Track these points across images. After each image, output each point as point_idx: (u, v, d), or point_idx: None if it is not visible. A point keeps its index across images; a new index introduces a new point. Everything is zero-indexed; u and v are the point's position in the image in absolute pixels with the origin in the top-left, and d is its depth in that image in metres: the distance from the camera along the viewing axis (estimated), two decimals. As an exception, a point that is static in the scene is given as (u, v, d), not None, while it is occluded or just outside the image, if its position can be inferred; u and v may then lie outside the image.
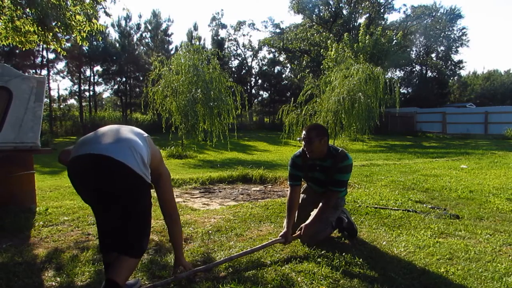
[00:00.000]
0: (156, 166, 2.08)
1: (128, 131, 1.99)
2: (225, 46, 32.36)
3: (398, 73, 34.73)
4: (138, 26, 27.32)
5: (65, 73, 26.36)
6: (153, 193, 2.03)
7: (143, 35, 27.84)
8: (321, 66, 21.66)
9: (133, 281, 2.14)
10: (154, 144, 2.10)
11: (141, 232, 1.96)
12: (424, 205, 4.17)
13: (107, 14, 5.97)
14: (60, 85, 75.97)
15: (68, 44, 20.23)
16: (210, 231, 3.18)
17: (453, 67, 37.28)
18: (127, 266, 1.88)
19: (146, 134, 2.05)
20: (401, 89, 29.85)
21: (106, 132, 1.97)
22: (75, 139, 19.21)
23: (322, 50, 27.21)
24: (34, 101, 3.99)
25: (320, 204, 2.92)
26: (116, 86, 27.96)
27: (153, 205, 4.48)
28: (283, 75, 34.50)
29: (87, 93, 27.75)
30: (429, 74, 36.64)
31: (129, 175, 1.80)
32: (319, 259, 2.53)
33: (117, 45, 25.86)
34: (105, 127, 2.05)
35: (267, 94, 34.39)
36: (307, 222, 2.89)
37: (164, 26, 28.03)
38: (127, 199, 1.86)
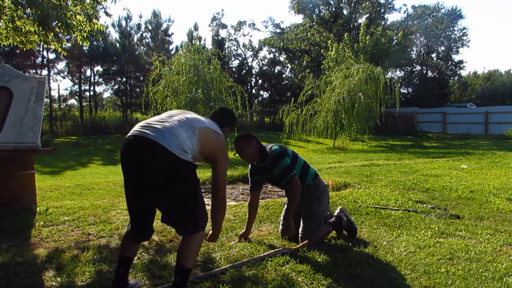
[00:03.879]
0: (211, 154, 2.16)
1: (178, 120, 2.04)
2: (226, 46, 32.37)
3: (399, 73, 34.77)
4: (139, 26, 27.34)
5: (65, 73, 26.37)
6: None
7: (144, 35, 27.85)
8: (322, 66, 21.65)
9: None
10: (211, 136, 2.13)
11: (197, 208, 2.07)
12: (425, 205, 4.16)
13: (108, 14, 5.95)
14: (61, 85, 75.95)
15: (69, 44, 20.26)
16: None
17: (453, 67, 37.26)
18: (193, 248, 1.98)
19: (198, 126, 2.07)
20: (401, 89, 29.90)
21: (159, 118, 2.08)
22: (75, 139, 19.21)
23: (322, 50, 27.22)
24: (35, 101, 4.00)
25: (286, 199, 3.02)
26: (116, 86, 27.96)
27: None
28: (284, 75, 34.49)
29: (87, 93, 27.77)
30: (430, 74, 36.63)
31: (168, 156, 1.87)
32: (319, 259, 2.53)
33: (118, 45, 25.86)
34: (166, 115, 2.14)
35: (268, 94, 34.40)
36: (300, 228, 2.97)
37: (164, 26, 28.04)
38: (174, 181, 1.91)
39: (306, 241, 2.82)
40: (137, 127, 1.99)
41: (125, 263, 2.08)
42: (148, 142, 1.87)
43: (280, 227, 3.10)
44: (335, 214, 3.15)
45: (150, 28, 27.49)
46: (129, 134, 1.97)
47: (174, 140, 1.90)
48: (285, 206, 3.10)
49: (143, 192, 1.94)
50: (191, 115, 2.17)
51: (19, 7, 5.22)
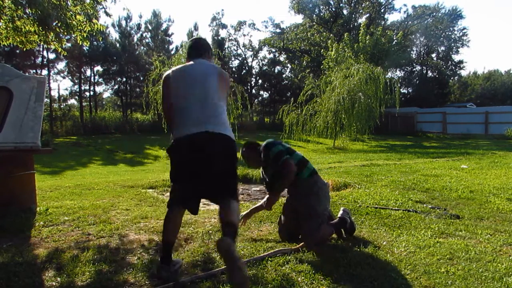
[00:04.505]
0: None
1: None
2: (226, 46, 32.36)
3: (399, 73, 34.77)
4: (139, 26, 27.34)
5: (65, 73, 26.39)
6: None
7: (144, 35, 27.86)
8: (322, 66, 21.67)
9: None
10: None
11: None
12: (425, 205, 4.16)
13: (108, 14, 5.95)
14: (61, 85, 75.87)
15: (69, 44, 20.26)
16: (211, 231, 3.19)
17: (453, 67, 37.27)
18: (236, 208, 2.27)
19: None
20: (401, 89, 29.90)
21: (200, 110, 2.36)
22: (76, 139, 19.21)
23: (322, 50, 27.22)
24: (35, 101, 3.99)
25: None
26: (116, 86, 27.96)
27: (154, 205, 4.47)
28: (284, 75, 34.48)
29: (87, 93, 27.77)
30: (430, 74, 36.64)
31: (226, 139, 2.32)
32: (319, 259, 2.53)
33: (118, 45, 25.86)
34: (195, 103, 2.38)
35: (268, 94, 34.39)
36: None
37: (164, 26, 28.05)
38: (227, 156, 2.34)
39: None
40: None
41: (169, 245, 2.32)
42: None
43: (279, 226, 3.10)
44: (339, 215, 3.08)
45: (150, 28, 27.50)
46: None
47: None
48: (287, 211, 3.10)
49: None
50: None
51: (19, 7, 5.22)
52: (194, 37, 2.87)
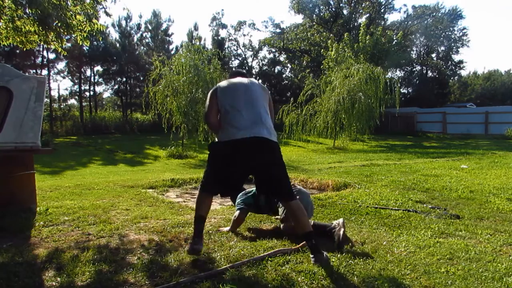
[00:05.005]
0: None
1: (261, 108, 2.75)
2: (226, 46, 32.37)
3: (399, 73, 34.72)
4: (139, 26, 27.35)
5: (65, 73, 26.40)
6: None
7: (144, 35, 27.86)
8: (322, 66, 21.66)
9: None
10: None
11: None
12: (425, 205, 4.17)
13: (108, 14, 5.94)
14: (61, 85, 75.93)
15: (69, 44, 20.24)
16: (211, 231, 3.19)
17: (453, 67, 37.25)
18: (298, 210, 2.59)
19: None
20: (401, 89, 29.88)
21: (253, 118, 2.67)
22: (75, 139, 19.21)
23: (322, 50, 27.21)
24: (35, 101, 3.99)
25: None
26: (116, 86, 27.97)
27: (154, 205, 4.47)
28: (284, 75, 34.48)
29: (87, 93, 27.79)
30: (430, 74, 36.62)
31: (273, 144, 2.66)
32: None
33: (118, 45, 25.86)
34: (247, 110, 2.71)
35: (267, 94, 34.30)
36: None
37: (164, 26, 28.05)
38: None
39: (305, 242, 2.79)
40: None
41: (201, 220, 2.71)
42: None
43: (281, 226, 3.11)
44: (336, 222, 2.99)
45: (150, 28, 27.50)
46: None
47: None
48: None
49: None
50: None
51: (19, 7, 5.22)
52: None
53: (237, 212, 3.25)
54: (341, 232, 2.77)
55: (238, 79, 2.88)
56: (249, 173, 2.79)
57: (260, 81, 33.04)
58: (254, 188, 3.27)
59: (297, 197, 2.80)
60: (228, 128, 2.66)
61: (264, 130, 2.61)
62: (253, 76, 33.14)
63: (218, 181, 2.74)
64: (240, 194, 3.42)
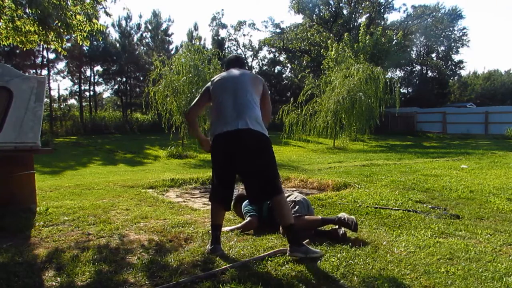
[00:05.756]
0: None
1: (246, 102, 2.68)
2: (226, 46, 32.40)
3: (399, 73, 34.75)
4: (139, 26, 27.35)
5: (65, 73, 26.40)
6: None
7: (144, 35, 27.87)
8: (321, 66, 21.67)
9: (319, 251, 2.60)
10: None
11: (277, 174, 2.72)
12: (425, 205, 4.16)
13: (108, 14, 5.93)
14: (61, 85, 75.97)
15: (69, 44, 20.24)
16: (211, 231, 3.18)
17: (453, 67, 37.26)
18: (284, 204, 2.63)
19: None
20: (401, 89, 29.87)
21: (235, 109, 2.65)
22: (76, 139, 19.21)
23: (322, 50, 27.22)
24: (35, 101, 3.99)
25: None
26: (116, 86, 27.97)
27: (154, 205, 4.48)
28: (284, 75, 34.52)
29: (87, 93, 27.79)
30: (430, 74, 36.63)
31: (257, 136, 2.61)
32: (319, 259, 2.53)
33: (118, 45, 25.86)
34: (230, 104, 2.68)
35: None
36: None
37: (164, 26, 28.06)
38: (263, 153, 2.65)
39: (308, 239, 2.82)
40: None
41: (218, 228, 2.75)
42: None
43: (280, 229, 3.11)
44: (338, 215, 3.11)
45: (150, 28, 27.50)
46: None
47: None
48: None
49: None
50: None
51: (19, 7, 5.22)
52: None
53: (248, 218, 3.28)
54: (353, 217, 3.01)
55: (229, 72, 2.88)
56: (237, 168, 2.71)
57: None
58: None
59: (297, 206, 3.12)
60: (217, 122, 2.69)
61: (247, 122, 2.58)
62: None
63: (220, 182, 2.75)
64: (245, 203, 3.45)
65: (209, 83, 2.88)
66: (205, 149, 2.90)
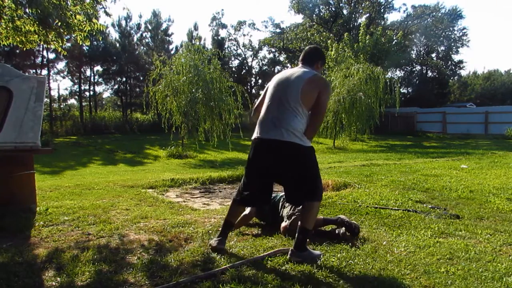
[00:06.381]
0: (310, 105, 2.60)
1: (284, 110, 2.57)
2: (225, 46, 32.39)
3: (398, 73, 34.76)
4: (139, 26, 27.34)
5: (65, 73, 26.38)
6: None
7: (143, 35, 27.86)
8: (321, 66, 21.61)
9: (318, 253, 2.59)
10: None
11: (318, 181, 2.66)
12: (424, 205, 4.16)
13: (107, 14, 5.94)
14: (60, 85, 75.98)
15: (69, 44, 20.25)
16: (211, 231, 3.19)
17: (453, 67, 37.28)
18: (314, 211, 2.59)
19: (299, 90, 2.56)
20: (401, 89, 29.88)
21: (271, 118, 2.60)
22: (75, 139, 19.21)
23: (322, 50, 27.18)
24: (35, 101, 3.99)
25: None
26: (116, 86, 27.96)
27: (154, 205, 4.48)
28: (284, 75, 34.42)
29: (87, 93, 27.77)
30: (430, 74, 36.64)
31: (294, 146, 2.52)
32: (318, 259, 2.53)
33: (117, 45, 25.85)
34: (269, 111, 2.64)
35: (267, 94, 34.33)
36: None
37: (164, 26, 28.05)
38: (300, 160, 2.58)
39: (308, 239, 2.83)
40: None
41: (229, 226, 2.78)
42: None
43: (283, 224, 3.10)
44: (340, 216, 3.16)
45: (150, 28, 27.50)
46: None
47: None
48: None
49: None
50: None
51: (19, 6, 5.22)
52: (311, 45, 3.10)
53: (248, 209, 3.29)
54: (352, 221, 3.07)
55: (285, 73, 2.73)
56: (268, 174, 2.68)
57: (260, 81, 33.06)
58: None
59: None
60: (257, 125, 2.68)
61: (282, 133, 2.50)
62: (253, 76, 33.16)
63: (247, 182, 2.73)
64: None
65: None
66: None
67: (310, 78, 2.58)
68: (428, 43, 35.26)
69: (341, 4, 31.92)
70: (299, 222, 2.62)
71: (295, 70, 2.69)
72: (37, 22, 5.30)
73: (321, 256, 2.54)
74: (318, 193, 2.62)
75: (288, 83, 2.61)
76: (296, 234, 2.59)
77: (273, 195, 3.50)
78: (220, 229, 2.83)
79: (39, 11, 4.92)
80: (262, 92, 2.89)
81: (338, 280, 2.21)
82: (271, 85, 2.75)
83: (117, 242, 2.94)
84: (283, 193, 3.44)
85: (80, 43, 5.86)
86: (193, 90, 12.28)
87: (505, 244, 2.85)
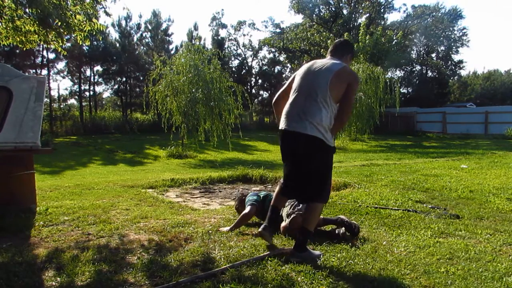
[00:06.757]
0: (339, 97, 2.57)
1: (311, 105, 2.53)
2: (225, 46, 32.39)
3: (398, 73, 34.76)
4: (138, 26, 27.35)
5: (65, 73, 26.37)
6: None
7: (143, 35, 27.86)
8: (321, 66, 21.61)
9: (318, 253, 2.60)
10: None
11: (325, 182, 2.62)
12: (424, 205, 4.17)
13: (107, 14, 5.94)
14: (60, 85, 76.07)
15: (69, 44, 20.25)
16: (211, 231, 3.19)
17: (453, 67, 37.27)
18: (317, 213, 2.59)
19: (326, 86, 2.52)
20: (401, 89, 29.89)
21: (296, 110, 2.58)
22: (75, 139, 19.21)
23: (322, 50, 27.23)
24: (34, 101, 3.99)
25: None
26: (116, 86, 27.96)
27: (154, 205, 4.48)
28: (283, 75, 34.48)
29: (87, 93, 27.76)
30: (429, 74, 36.64)
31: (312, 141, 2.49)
32: (318, 259, 2.53)
33: (117, 45, 25.85)
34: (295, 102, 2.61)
35: (267, 94, 34.41)
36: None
37: (164, 26, 28.05)
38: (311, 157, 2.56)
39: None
40: None
41: (274, 211, 2.77)
42: None
43: (283, 223, 3.10)
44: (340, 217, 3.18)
45: (150, 28, 27.49)
46: None
47: None
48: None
49: None
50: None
51: (19, 6, 5.22)
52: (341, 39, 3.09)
53: (248, 207, 3.31)
54: (352, 221, 3.11)
55: (315, 63, 2.68)
56: (293, 164, 2.68)
57: (260, 81, 33.04)
58: (264, 192, 3.64)
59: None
60: (283, 115, 2.65)
61: (306, 126, 2.48)
62: (253, 76, 33.15)
63: (284, 169, 2.77)
64: (251, 193, 3.55)
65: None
66: None
67: (340, 69, 2.53)
68: (428, 43, 35.25)
69: (341, 4, 31.92)
70: (302, 222, 2.62)
71: (325, 62, 2.63)
72: (37, 22, 5.30)
73: (321, 256, 2.54)
74: (324, 195, 2.61)
75: (317, 75, 2.55)
76: (297, 235, 2.59)
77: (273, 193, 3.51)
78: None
79: (39, 11, 4.92)
80: (287, 82, 2.84)
81: (338, 280, 2.21)
82: (298, 75, 2.70)
83: (117, 242, 2.94)
84: None
85: (80, 43, 5.86)
86: (193, 90, 12.28)
87: (505, 244, 2.85)
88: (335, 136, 2.66)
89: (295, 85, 2.67)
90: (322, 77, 2.51)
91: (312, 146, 2.50)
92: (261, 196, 3.51)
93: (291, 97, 2.65)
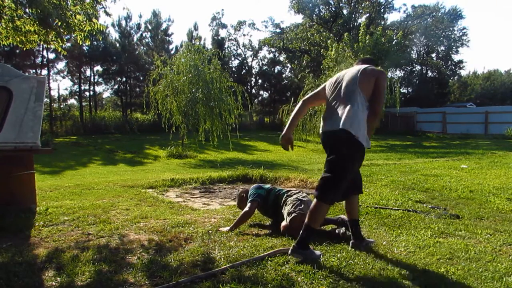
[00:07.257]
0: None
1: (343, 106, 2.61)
2: (225, 46, 32.42)
3: (399, 73, 34.76)
4: (138, 26, 27.37)
5: (65, 73, 26.40)
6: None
7: (143, 35, 27.89)
8: (321, 66, 21.63)
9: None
10: None
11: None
12: (424, 205, 4.17)
13: (107, 14, 5.93)
14: (60, 85, 76.05)
15: (69, 44, 20.26)
16: (211, 231, 3.19)
17: (453, 67, 37.28)
18: (320, 210, 2.57)
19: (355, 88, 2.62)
20: (401, 89, 29.86)
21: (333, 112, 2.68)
22: (75, 139, 19.21)
23: (322, 50, 27.22)
24: (34, 101, 3.99)
25: None
26: (116, 86, 27.98)
27: (154, 205, 4.47)
28: (283, 75, 34.54)
29: (87, 93, 27.79)
30: (429, 74, 36.65)
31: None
32: (319, 259, 2.53)
33: (117, 45, 25.87)
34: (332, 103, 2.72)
35: (267, 94, 34.45)
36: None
37: (164, 26, 28.08)
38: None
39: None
40: None
41: (355, 224, 2.79)
42: None
43: (284, 222, 3.11)
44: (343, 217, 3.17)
45: (150, 28, 27.52)
46: None
47: None
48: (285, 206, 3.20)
49: None
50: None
51: (19, 6, 5.22)
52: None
53: (248, 204, 3.31)
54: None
55: (344, 70, 2.87)
56: None
57: (260, 81, 33.05)
58: (269, 185, 3.68)
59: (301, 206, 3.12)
60: (321, 120, 2.78)
61: (332, 122, 2.61)
62: (253, 76, 33.15)
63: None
64: (255, 186, 3.54)
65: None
66: (281, 143, 3.01)
67: (365, 68, 2.70)
68: (428, 43, 35.26)
69: (341, 4, 31.91)
70: (306, 219, 2.62)
71: (351, 68, 2.82)
72: (37, 22, 5.30)
73: (321, 256, 2.54)
74: (328, 193, 2.57)
75: (345, 78, 2.71)
76: (301, 231, 2.59)
77: (278, 188, 3.50)
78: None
79: (39, 11, 4.92)
80: (317, 89, 2.96)
81: (338, 280, 2.21)
82: (329, 83, 2.84)
83: (117, 242, 2.94)
84: (287, 189, 3.45)
85: (80, 43, 5.86)
86: (193, 90, 12.28)
87: (505, 244, 2.85)
88: (372, 131, 2.69)
89: (328, 93, 2.80)
90: (351, 78, 2.68)
91: (334, 138, 2.62)
92: (266, 188, 3.49)
93: (327, 105, 2.79)
